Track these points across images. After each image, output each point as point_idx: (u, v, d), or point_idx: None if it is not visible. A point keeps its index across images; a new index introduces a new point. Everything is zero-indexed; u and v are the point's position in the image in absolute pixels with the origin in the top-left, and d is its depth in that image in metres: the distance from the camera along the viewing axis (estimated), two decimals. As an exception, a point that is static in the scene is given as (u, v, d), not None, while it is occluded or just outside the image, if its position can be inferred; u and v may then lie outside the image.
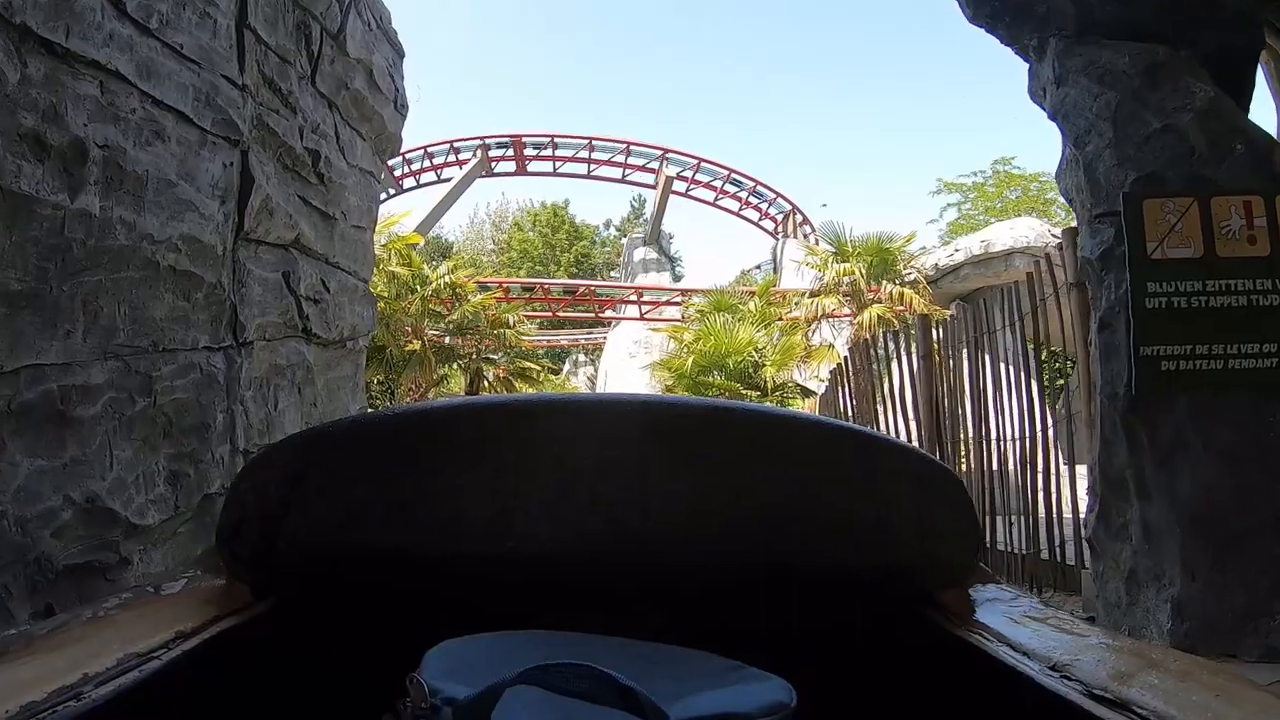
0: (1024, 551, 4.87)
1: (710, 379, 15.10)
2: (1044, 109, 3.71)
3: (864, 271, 14.76)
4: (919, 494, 0.84)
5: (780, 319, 16.28)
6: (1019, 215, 19.39)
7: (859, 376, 7.85)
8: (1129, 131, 3.20)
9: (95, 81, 1.95)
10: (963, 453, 5.93)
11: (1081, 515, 4.27)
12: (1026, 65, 3.86)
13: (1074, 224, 4.09)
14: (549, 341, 30.62)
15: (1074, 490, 4.36)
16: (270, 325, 2.96)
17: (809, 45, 72.33)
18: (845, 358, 8.11)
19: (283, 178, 3.02)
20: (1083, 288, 4.55)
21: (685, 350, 16.17)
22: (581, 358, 33.53)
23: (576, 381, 31.56)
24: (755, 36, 74.58)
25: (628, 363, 22.88)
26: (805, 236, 25.56)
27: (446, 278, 14.05)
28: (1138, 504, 3.12)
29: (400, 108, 4.45)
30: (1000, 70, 66.22)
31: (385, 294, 13.36)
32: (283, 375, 3.12)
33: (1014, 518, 5.12)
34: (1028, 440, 5.01)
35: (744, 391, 14.93)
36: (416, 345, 13.94)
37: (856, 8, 70.85)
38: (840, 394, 8.08)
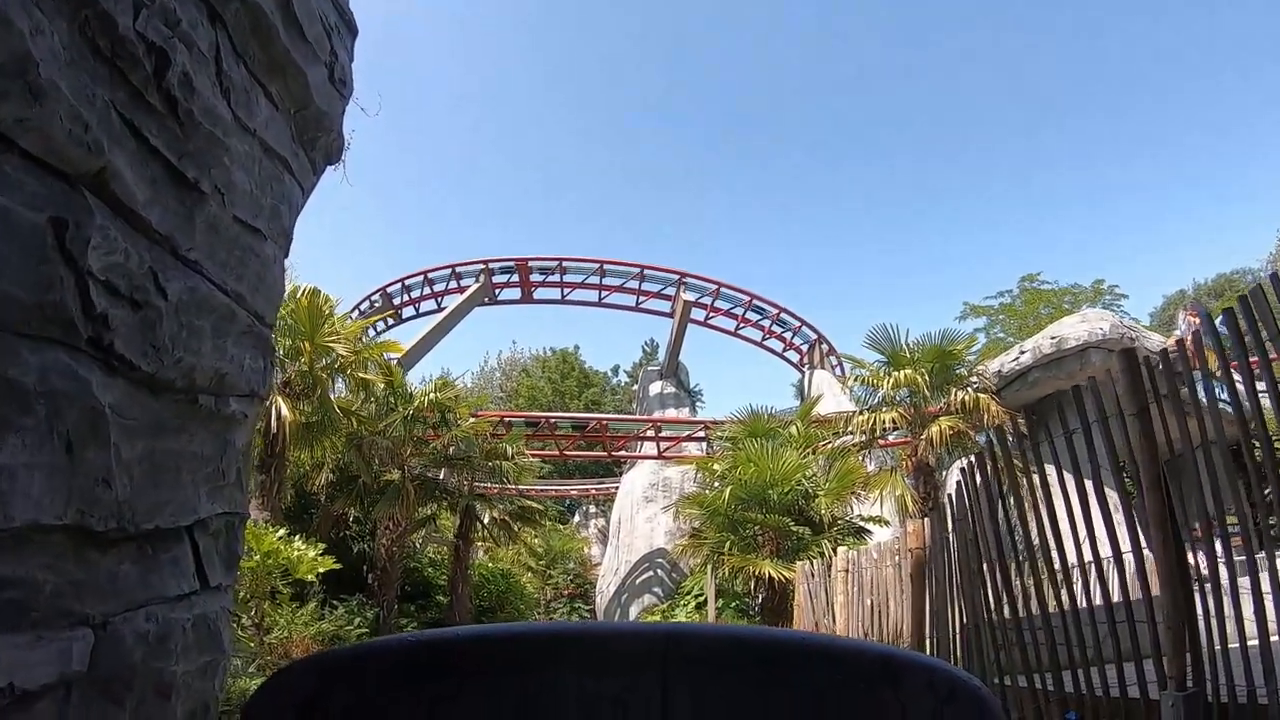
0: None
1: (751, 514, 12.52)
2: None
3: (926, 379, 12.54)
4: (944, 712, 0.84)
5: (827, 442, 13.93)
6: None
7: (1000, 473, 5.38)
8: None
9: None
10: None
11: None
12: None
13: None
14: (557, 491, 28.00)
15: None
16: (-7, 301, 1.48)
17: (830, 167, 74.53)
18: (994, 436, 5.70)
19: (85, 60, 1.64)
20: None
21: (718, 482, 13.66)
22: (592, 509, 30.89)
23: (587, 533, 28.73)
24: (772, 159, 76.91)
25: (644, 507, 20.18)
26: (833, 368, 23.84)
27: (433, 395, 11.84)
28: None
29: (338, 82, 2.95)
30: (1023, 190, 67.58)
31: (361, 413, 11.21)
32: (24, 408, 1.44)
33: None
34: None
35: (794, 528, 12.30)
36: (395, 476, 11.52)
37: (875, 133, 73.59)
38: (979, 506, 5.55)
